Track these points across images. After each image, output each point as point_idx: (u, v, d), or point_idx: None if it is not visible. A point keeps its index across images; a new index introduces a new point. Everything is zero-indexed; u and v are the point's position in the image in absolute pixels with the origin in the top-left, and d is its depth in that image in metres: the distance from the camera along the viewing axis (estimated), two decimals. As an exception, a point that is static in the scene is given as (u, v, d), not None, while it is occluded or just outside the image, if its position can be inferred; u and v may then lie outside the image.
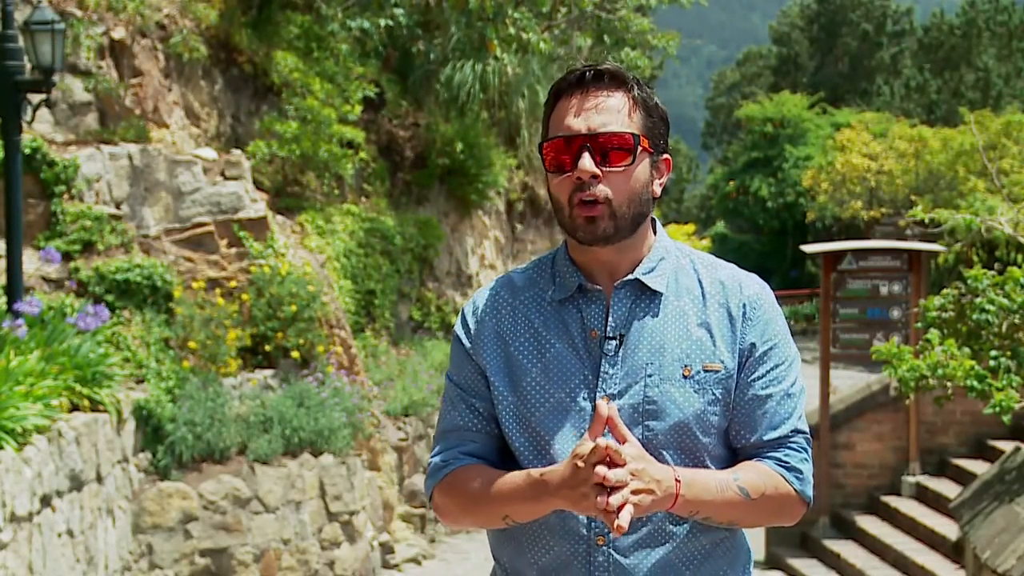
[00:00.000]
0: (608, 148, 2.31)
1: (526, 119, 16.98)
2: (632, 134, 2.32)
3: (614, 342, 2.34)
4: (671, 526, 2.32)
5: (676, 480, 2.20)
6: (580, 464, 2.14)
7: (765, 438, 2.36)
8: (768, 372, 2.38)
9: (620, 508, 2.11)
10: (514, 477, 2.29)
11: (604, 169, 2.30)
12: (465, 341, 2.44)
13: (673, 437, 2.31)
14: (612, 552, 2.30)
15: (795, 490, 2.35)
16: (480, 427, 2.40)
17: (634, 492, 2.13)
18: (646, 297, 2.37)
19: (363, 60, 14.32)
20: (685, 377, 2.32)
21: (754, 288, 2.42)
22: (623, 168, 2.31)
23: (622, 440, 2.17)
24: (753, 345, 2.38)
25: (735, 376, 2.36)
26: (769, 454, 2.36)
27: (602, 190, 2.30)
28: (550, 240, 19.25)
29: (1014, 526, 6.67)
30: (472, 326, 2.44)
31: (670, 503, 2.20)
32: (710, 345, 2.35)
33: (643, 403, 2.31)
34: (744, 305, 2.39)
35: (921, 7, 49.58)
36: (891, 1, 46.59)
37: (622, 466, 2.13)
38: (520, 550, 2.38)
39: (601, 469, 2.12)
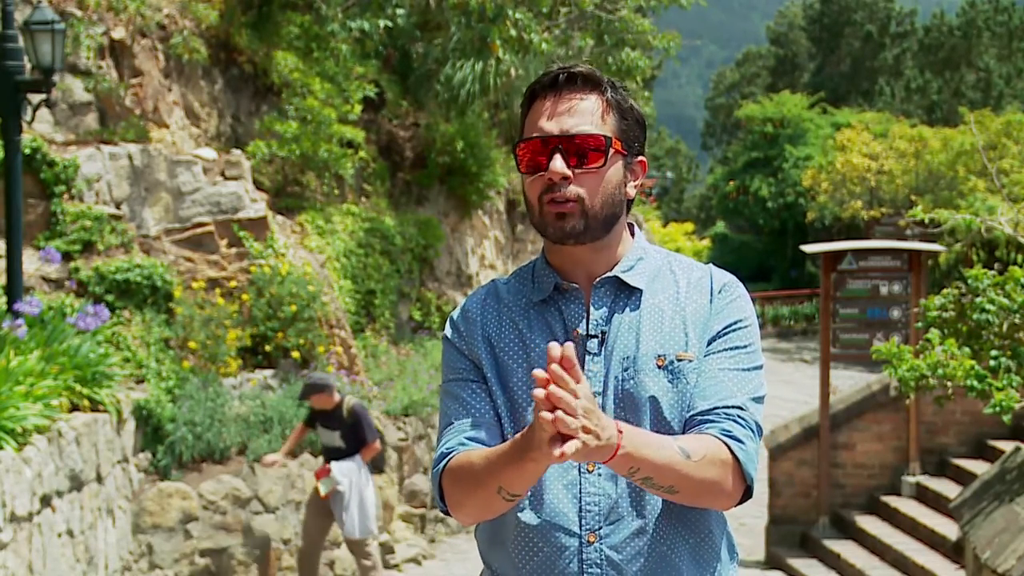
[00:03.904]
0: (580, 150, 2.33)
1: (526, 119, 16.96)
2: (604, 136, 2.35)
3: (595, 339, 2.37)
4: (663, 521, 2.33)
5: (619, 431, 2.14)
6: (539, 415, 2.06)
7: (713, 405, 2.32)
8: (729, 350, 2.38)
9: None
10: (501, 445, 2.26)
11: (576, 171, 2.33)
12: (458, 342, 2.46)
13: (652, 428, 2.32)
14: (604, 548, 2.31)
15: (737, 460, 2.29)
16: (484, 411, 2.39)
17: (583, 430, 2.05)
18: (624, 294, 2.41)
19: (363, 60, 14.33)
20: (659, 367, 2.34)
21: (725, 279, 2.46)
22: (595, 169, 2.34)
23: (578, 380, 2.08)
24: (721, 327, 2.40)
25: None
26: (715, 423, 2.32)
27: (573, 191, 2.33)
28: (550, 240, 19.24)
29: (1014, 526, 6.67)
30: (463, 329, 2.46)
31: (609, 454, 2.12)
32: (683, 336, 2.37)
33: (622, 397, 2.34)
34: (714, 295, 2.42)
35: (922, 7, 49.59)
36: (895, 2, 46.61)
37: (572, 415, 2.05)
38: (508, 555, 2.39)
39: (549, 415, 2.03)
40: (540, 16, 15.66)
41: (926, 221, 9.58)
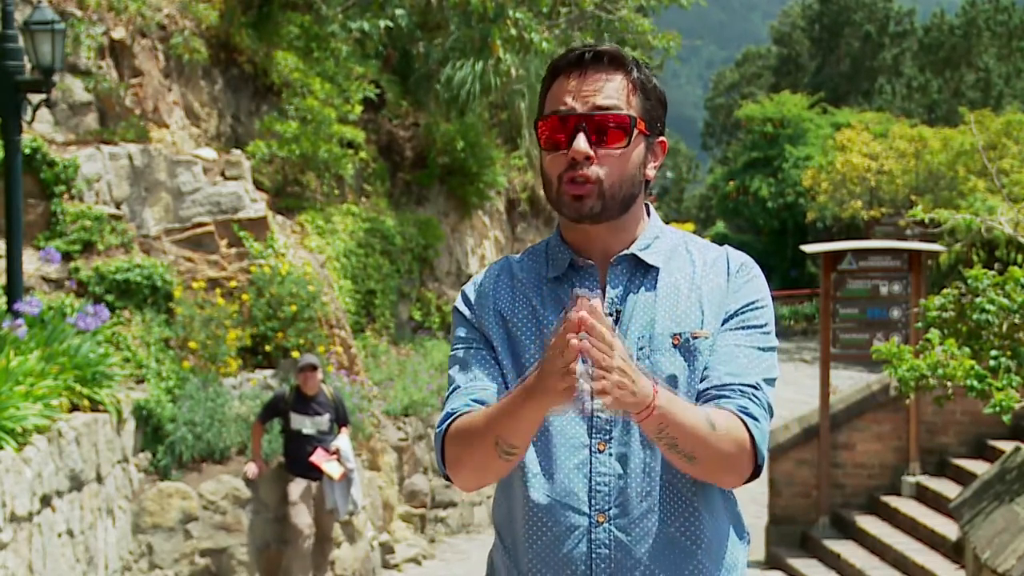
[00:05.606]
0: (604, 129, 2.32)
1: (526, 119, 16.97)
2: (629, 116, 2.33)
3: (610, 318, 2.34)
4: (672, 503, 2.33)
5: (654, 390, 2.14)
6: (559, 341, 2.06)
7: (727, 381, 2.32)
8: (746, 328, 2.38)
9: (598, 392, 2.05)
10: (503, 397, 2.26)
11: (599, 150, 2.32)
12: (468, 314, 2.45)
13: None
14: (613, 529, 2.31)
15: (752, 437, 2.29)
16: (491, 376, 2.39)
17: (617, 387, 2.07)
18: (641, 272, 2.40)
19: (363, 60, 14.32)
20: (675, 346, 2.34)
21: (743, 259, 2.45)
22: (618, 150, 2.33)
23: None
24: (739, 306, 2.39)
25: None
26: (731, 399, 2.32)
27: (594, 171, 2.32)
28: (550, 240, 19.22)
29: (1014, 526, 6.67)
30: (474, 302, 2.45)
31: (642, 409, 2.13)
32: (698, 314, 2.37)
33: None
34: (730, 274, 2.42)
35: (921, 7, 49.58)
36: (894, 2, 46.61)
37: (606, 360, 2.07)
38: (519, 533, 2.38)
39: (576, 341, 2.04)
40: (540, 16, 15.66)
41: (926, 221, 9.58)
